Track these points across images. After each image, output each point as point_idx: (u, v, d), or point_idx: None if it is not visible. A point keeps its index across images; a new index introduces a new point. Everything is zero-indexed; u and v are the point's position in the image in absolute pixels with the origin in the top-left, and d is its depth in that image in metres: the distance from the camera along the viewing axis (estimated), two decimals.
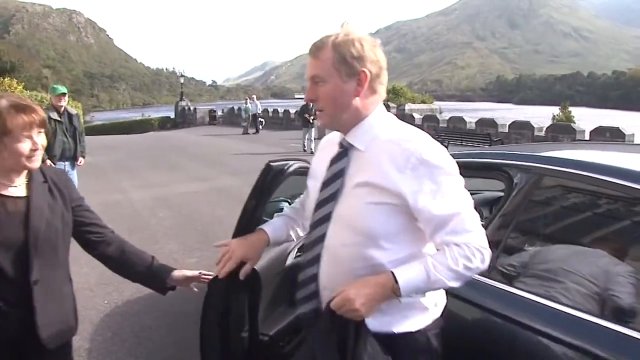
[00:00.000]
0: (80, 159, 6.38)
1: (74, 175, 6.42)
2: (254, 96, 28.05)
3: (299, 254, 2.64)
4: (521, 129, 17.15)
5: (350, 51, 1.48)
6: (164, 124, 38.62)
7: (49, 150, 6.14)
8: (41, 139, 1.75)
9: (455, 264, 1.41)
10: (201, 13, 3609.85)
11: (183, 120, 36.21)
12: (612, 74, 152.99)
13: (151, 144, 21.47)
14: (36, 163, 1.74)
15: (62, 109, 6.23)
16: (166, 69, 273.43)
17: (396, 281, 1.41)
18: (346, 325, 1.46)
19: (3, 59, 55.69)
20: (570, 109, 28.81)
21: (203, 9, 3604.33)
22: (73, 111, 6.45)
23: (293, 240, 1.89)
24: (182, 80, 46.10)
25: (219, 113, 34.81)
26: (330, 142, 1.69)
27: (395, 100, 29.50)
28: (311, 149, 15.65)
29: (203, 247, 5.99)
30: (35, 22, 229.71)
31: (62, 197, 1.86)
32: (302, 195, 1.86)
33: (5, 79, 31.65)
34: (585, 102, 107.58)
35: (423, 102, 32.95)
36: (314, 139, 15.95)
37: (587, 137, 14.94)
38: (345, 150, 1.57)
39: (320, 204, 1.58)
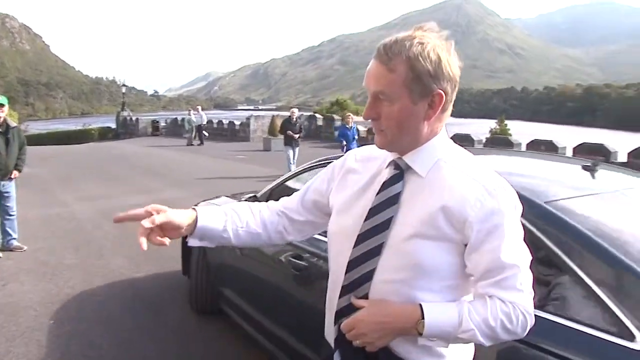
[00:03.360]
0: (15, 172, 6.14)
1: (11, 188, 6.20)
2: (199, 107, 27.72)
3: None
4: (461, 141, 17.71)
5: (427, 67, 1.22)
6: (105, 135, 37.54)
7: None
8: None
9: (493, 320, 1.20)
10: (143, 21, 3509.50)
11: (125, 130, 35.33)
12: (543, 90, 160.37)
13: (93, 155, 20.81)
14: None
15: (2, 120, 5.99)
16: (106, 78, 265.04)
17: (423, 316, 1.22)
18: (356, 355, 1.32)
19: None
20: (506, 122, 30.17)
21: (144, 17, 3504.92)
22: (12, 123, 6.22)
23: (229, 239, 1.51)
24: (123, 89, 44.93)
25: (162, 124, 34.21)
26: (369, 159, 1.46)
27: (339, 113, 29.88)
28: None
29: (151, 262, 5.86)
30: None
31: None
32: (294, 197, 1.62)
33: None
34: (519, 116, 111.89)
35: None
36: (295, 160, 13.51)
37: (523, 149, 15.67)
38: (401, 173, 1.33)
39: (368, 234, 1.31)
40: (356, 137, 13.12)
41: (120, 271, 5.53)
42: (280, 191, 3.67)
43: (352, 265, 1.33)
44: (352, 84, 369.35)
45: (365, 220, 1.32)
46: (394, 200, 1.30)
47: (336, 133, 19.50)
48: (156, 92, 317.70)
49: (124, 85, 45.60)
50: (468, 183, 1.24)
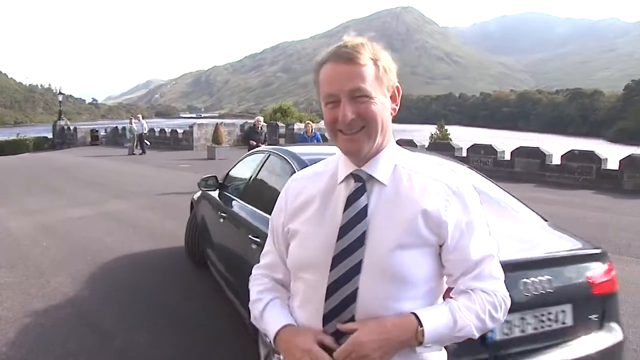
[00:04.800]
0: None
1: None
2: (140, 115, 27.00)
3: None
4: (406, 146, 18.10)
5: (386, 62, 1.26)
6: (41, 145, 35.80)
7: None
8: None
9: (483, 312, 1.22)
10: (80, 26, 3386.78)
11: (62, 140, 33.89)
12: (479, 96, 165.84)
13: (29, 166, 19.83)
14: None
15: None
16: (41, 85, 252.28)
17: (420, 324, 1.18)
18: None
19: None
20: (446, 127, 31.03)
21: (81, 22, 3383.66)
22: None
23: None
24: (60, 97, 43.26)
25: (102, 133, 33.09)
26: (314, 177, 1.40)
27: (283, 119, 29.82)
28: None
29: (96, 277, 5.64)
30: None
31: None
32: (268, 257, 1.51)
33: None
34: (458, 121, 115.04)
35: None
36: None
37: (464, 154, 16.19)
38: (363, 185, 1.28)
39: (344, 254, 1.24)
40: None
41: (62, 290, 5.24)
42: (232, 175, 5.06)
43: (331, 290, 1.24)
44: (294, 91, 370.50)
45: (338, 240, 1.25)
46: (363, 214, 1.25)
47: (282, 141, 19.42)
48: (95, 100, 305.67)
49: (60, 93, 43.98)
50: (432, 184, 1.26)
